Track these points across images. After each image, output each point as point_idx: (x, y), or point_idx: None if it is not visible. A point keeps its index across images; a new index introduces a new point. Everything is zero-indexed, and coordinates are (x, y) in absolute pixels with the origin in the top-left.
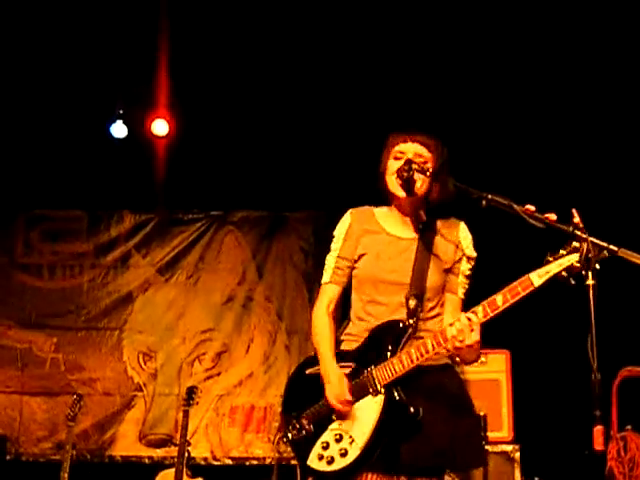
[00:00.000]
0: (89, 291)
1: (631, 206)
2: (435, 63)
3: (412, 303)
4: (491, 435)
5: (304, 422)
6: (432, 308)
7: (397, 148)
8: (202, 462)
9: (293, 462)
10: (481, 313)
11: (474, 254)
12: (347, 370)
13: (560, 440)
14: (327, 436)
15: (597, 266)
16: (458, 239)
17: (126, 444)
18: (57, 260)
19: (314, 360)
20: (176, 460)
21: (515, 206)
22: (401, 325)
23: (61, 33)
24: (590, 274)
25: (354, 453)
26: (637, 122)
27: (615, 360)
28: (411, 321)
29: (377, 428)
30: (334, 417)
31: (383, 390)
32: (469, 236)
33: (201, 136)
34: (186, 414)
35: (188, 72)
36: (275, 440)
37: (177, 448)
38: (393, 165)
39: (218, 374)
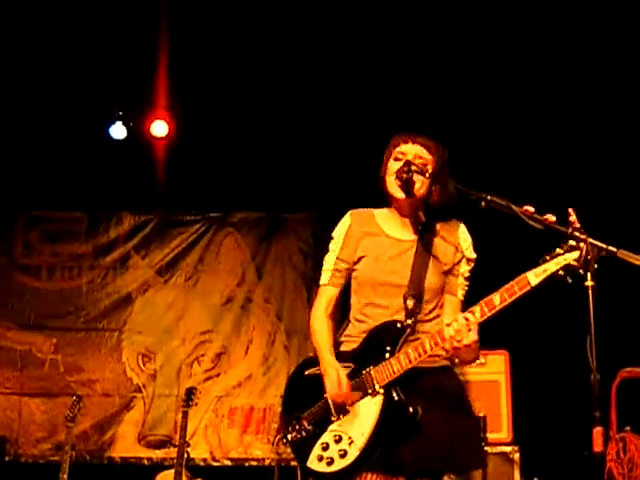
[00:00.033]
0: (88, 292)
1: (630, 207)
2: (434, 65)
3: (410, 304)
4: (490, 436)
5: (304, 423)
6: (431, 310)
7: (398, 149)
8: (201, 463)
9: (293, 463)
10: (478, 313)
11: (473, 256)
12: (346, 371)
13: (559, 441)
14: (326, 437)
15: (595, 266)
16: (458, 241)
17: (125, 445)
18: (56, 261)
19: (313, 361)
20: (175, 461)
21: (514, 207)
22: (399, 326)
23: (61, 35)
24: (589, 275)
25: (353, 454)
26: (635, 123)
27: (614, 361)
28: (409, 322)
29: (376, 429)
30: (333, 418)
31: (382, 390)
32: (469, 238)
33: (200, 137)
34: (185, 415)
35: (187, 73)
36: (275, 441)
37: (176, 449)
38: (393, 166)
39: (217, 375)
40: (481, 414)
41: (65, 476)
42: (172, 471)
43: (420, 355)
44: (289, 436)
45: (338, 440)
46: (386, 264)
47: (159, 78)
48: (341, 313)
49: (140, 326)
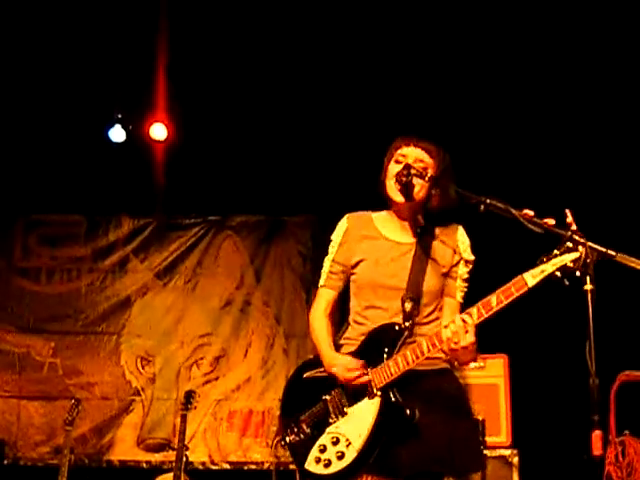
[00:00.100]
0: (87, 295)
1: (628, 210)
2: (434, 69)
3: (408, 306)
4: (489, 440)
5: (302, 425)
6: (430, 313)
7: (399, 151)
8: (200, 467)
9: (292, 467)
10: (475, 314)
11: (472, 257)
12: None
13: (558, 445)
14: (324, 439)
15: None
16: (456, 243)
17: (124, 448)
18: (55, 264)
19: (312, 363)
20: (174, 465)
21: (513, 211)
22: (397, 328)
23: (60, 38)
24: (588, 279)
25: (351, 456)
26: (633, 126)
27: (613, 365)
28: (407, 324)
29: (373, 430)
30: (331, 420)
31: (379, 392)
32: (467, 240)
33: (200, 141)
34: (184, 418)
35: (187, 76)
36: (273, 444)
37: (175, 452)
38: (393, 168)
39: (216, 378)
40: (480, 417)
41: (64, 479)
42: (171, 474)
43: (418, 357)
44: (287, 438)
45: (336, 442)
46: (386, 267)
47: (158, 81)
48: (340, 316)
49: (139, 329)
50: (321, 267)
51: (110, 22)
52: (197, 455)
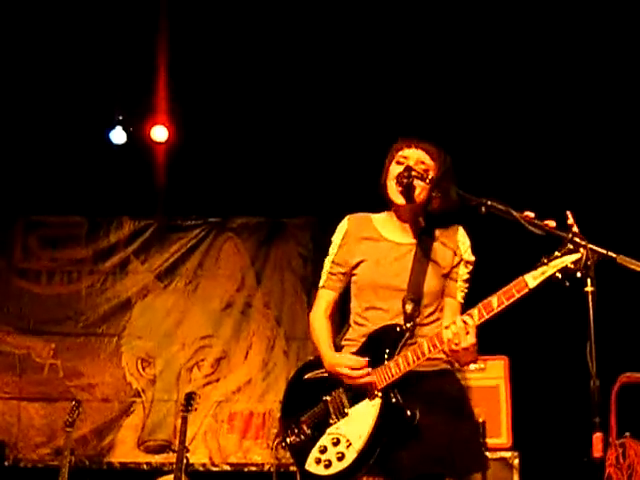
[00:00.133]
0: (88, 297)
1: (629, 212)
2: (434, 71)
3: (409, 307)
4: (490, 441)
5: (302, 426)
6: (431, 313)
7: (401, 153)
8: (201, 468)
9: (292, 468)
10: (476, 316)
11: (472, 258)
12: None
13: (559, 447)
14: (325, 440)
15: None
16: (456, 244)
17: (124, 450)
18: (56, 266)
19: (313, 365)
20: (175, 466)
21: (514, 213)
22: (398, 329)
23: (60, 40)
24: (589, 281)
25: (351, 456)
26: (633, 128)
27: (614, 367)
28: (408, 325)
29: (374, 431)
30: (332, 420)
31: (380, 393)
32: (467, 241)
33: (200, 142)
34: (185, 420)
35: (187, 78)
36: (274, 446)
37: (176, 454)
38: (395, 170)
39: (217, 380)
40: (480, 419)
41: None
42: (171, 476)
43: (418, 358)
44: (288, 439)
45: (336, 443)
46: (387, 268)
47: (159, 83)
48: (341, 317)
49: (139, 331)
50: (321, 269)
51: (111, 24)
52: (197, 457)
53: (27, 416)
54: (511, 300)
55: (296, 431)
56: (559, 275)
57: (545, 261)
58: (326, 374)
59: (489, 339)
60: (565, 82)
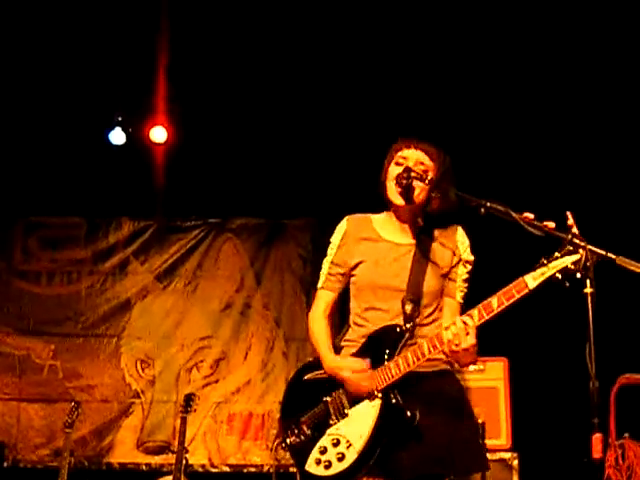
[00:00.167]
0: (87, 298)
1: (629, 213)
2: (434, 72)
3: (408, 308)
4: (489, 442)
5: (303, 427)
6: (430, 314)
7: (400, 153)
8: (200, 469)
9: (292, 469)
10: (476, 316)
11: (471, 258)
12: None
13: (558, 448)
14: (325, 440)
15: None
16: (455, 244)
17: (124, 451)
18: (55, 267)
19: (312, 366)
20: (174, 467)
21: (513, 214)
22: (398, 330)
23: (60, 41)
24: (588, 282)
25: (351, 457)
26: (633, 129)
27: (613, 368)
28: (408, 326)
29: (374, 432)
30: (332, 421)
31: (380, 394)
32: (466, 240)
33: (200, 143)
34: (184, 421)
35: (187, 79)
36: (273, 447)
37: (175, 455)
38: (394, 170)
39: (216, 381)
40: (480, 420)
41: None
42: (170, 477)
43: (418, 359)
44: (288, 440)
45: (336, 443)
46: (386, 268)
47: (158, 84)
48: (340, 318)
49: (139, 332)
50: (321, 270)
51: (111, 25)
52: (197, 458)
53: (26, 417)
54: (511, 301)
55: (296, 432)
56: (559, 276)
57: (545, 262)
58: (326, 375)
59: (488, 340)
60: (565, 83)
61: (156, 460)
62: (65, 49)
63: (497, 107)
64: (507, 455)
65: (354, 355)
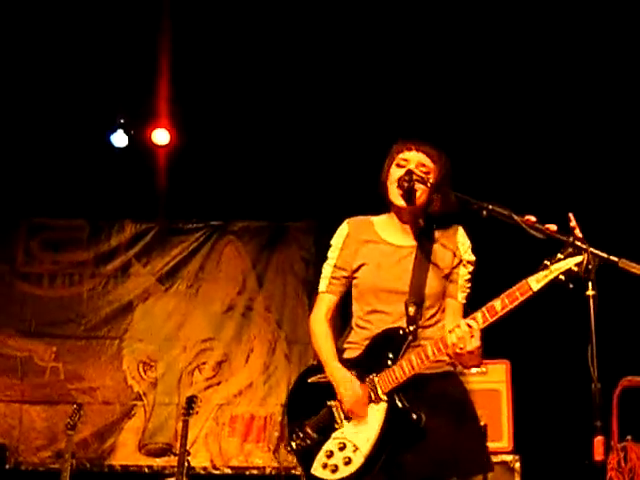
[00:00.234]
0: (89, 300)
1: (630, 215)
2: (434, 74)
3: (411, 310)
4: (491, 445)
5: (308, 430)
6: (432, 315)
7: (401, 155)
8: (202, 471)
9: (294, 472)
10: (480, 319)
11: (472, 258)
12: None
13: (560, 450)
14: (331, 444)
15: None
16: (456, 245)
17: (126, 453)
18: (57, 269)
19: (316, 369)
20: (176, 470)
21: (515, 217)
22: (401, 332)
23: (62, 43)
24: (590, 284)
25: (358, 461)
26: (634, 131)
27: (615, 370)
28: (411, 328)
29: (380, 436)
30: (337, 425)
31: (385, 397)
32: (467, 241)
33: (202, 146)
34: (186, 423)
35: (189, 81)
36: (276, 449)
37: (177, 457)
38: (395, 173)
39: (218, 383)
40: (482, 423)
41: None
42: (173, 479)
43: (423, 361)
44: (293, 444)
45: (342, 447)
46: (388, 271)
47: (160, 86)
48: (341, 321)
49: (141, 334)
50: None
51: (113, 27)
52: (199, 460)
53: (28, 419)
54: (515, 303)
55: (301, 435)
56: (562, 277)
57: (548, 264)
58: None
59: (490, 343)
60: (566, 85)
61: (158, 462)
62: (67, 52)
63: (499, 109)
64: (509, 458)
65: (357, 358)
